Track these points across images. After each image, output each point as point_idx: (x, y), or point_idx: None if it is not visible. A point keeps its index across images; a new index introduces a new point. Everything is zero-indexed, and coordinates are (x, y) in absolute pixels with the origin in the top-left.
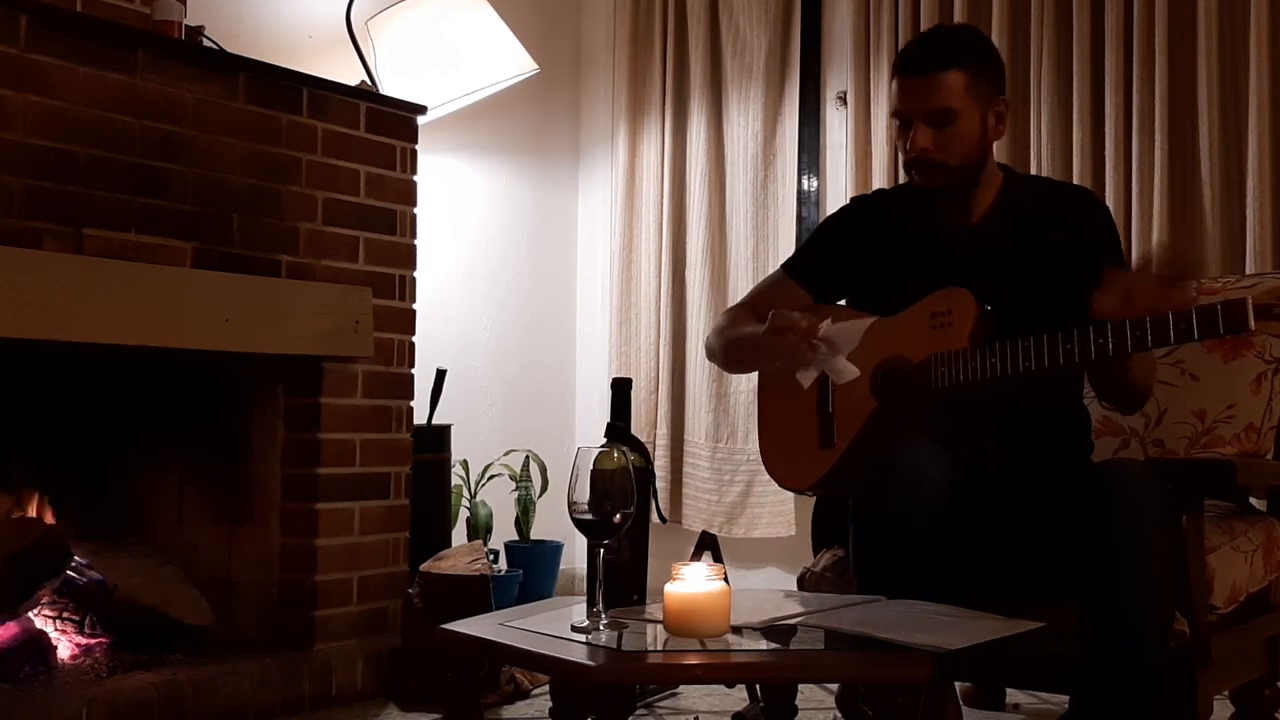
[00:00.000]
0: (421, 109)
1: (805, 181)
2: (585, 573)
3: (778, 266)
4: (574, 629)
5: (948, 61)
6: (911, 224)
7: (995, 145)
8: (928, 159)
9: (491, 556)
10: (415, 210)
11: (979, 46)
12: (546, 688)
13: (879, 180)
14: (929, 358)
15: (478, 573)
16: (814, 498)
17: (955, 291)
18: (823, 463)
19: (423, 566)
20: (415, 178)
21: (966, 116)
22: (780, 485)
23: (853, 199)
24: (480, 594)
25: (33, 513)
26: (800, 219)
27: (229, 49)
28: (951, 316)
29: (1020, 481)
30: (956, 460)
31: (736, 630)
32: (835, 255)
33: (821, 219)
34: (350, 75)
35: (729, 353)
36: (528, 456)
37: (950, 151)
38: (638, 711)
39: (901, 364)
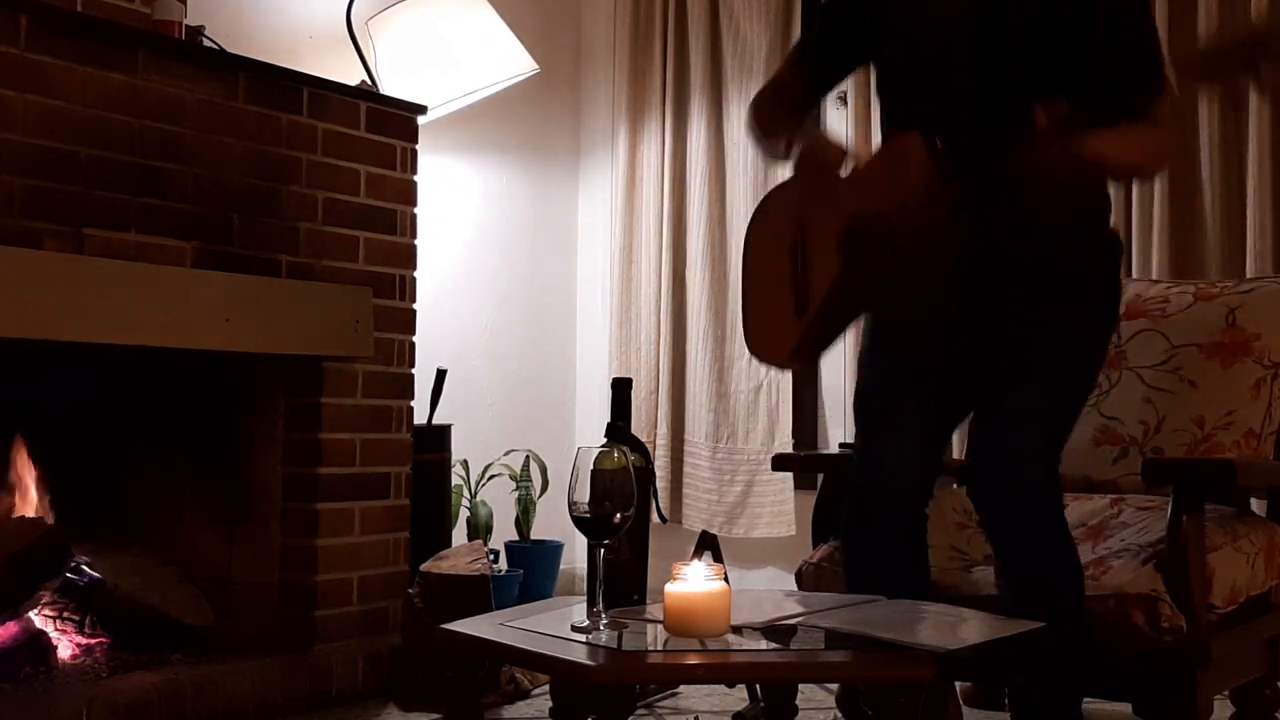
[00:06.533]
0: (421, 109)
1: None
2: (585, 573)
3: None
4: (574, 629)
5: None
6: None
7: None
8: None
9: (492, 556)
10: (415, 210)
11: None
12: (546, 688)
13: None
14: (886, 211)
15: (478, 573)
16: (789, 371)
17: (906, 137)
18: (796, 330)
19: (423, 566)
20: (415, 178)
21: None
22: (761, 361)
23: None
24: (480, 594)
25: (33, 512)
26: None
27: (229, 49)
28: (906, 161)
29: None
30: (929, 454)
31: (736, 630)
32: (842, 28)
33: None
34: (350, 75)
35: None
36: (528, 456)
37: None
38: (638, 711)
39: (863, 220)
